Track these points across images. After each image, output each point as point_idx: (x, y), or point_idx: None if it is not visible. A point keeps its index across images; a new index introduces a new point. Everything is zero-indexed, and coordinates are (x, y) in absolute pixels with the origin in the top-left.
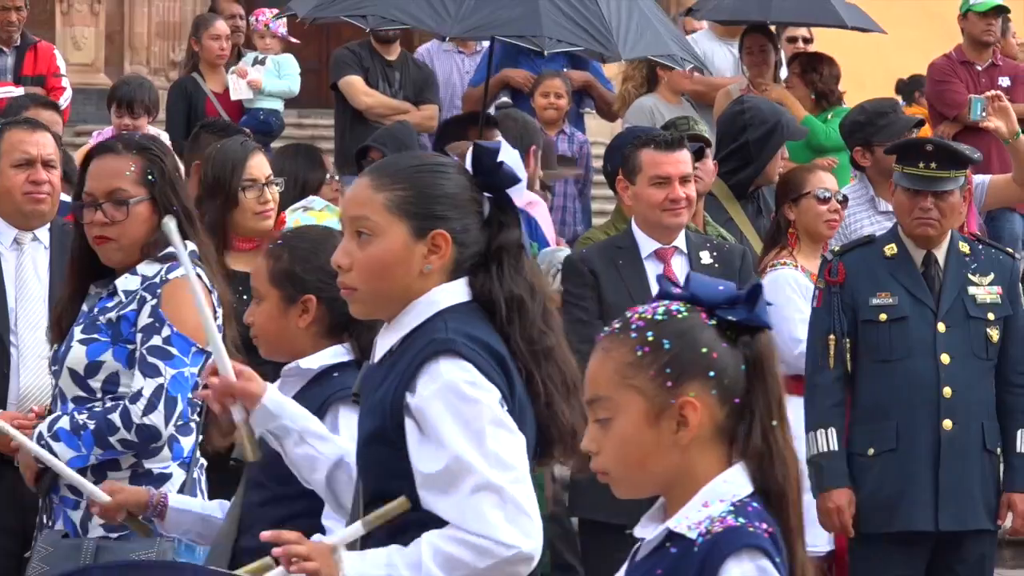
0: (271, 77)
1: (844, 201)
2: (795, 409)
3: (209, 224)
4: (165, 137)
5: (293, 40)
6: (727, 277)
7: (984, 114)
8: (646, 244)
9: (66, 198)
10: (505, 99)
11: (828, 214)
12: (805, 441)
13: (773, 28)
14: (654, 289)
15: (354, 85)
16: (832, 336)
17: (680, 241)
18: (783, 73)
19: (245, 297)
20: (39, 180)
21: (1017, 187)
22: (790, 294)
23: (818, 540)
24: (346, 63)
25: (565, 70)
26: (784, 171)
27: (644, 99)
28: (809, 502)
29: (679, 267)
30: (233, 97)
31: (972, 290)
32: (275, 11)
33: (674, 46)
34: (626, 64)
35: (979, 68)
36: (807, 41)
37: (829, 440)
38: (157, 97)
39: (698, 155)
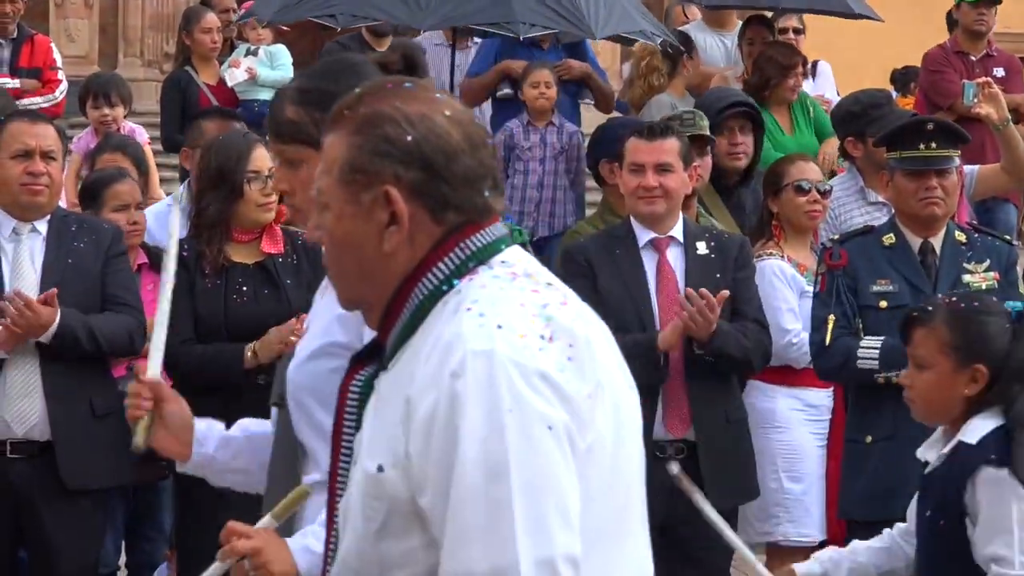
0: (264, 68)
1: (826, 192)
2: (780, 399)
3: (213, 215)
4: (141, 133)
5: (284, 27)
6: (723, 267)
7: (976, 100)
8: (642, 234)
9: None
10: (507, 90)
11: (808, 205)
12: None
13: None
14: (651, 279)
15: None
16: (832, 317)
17: (677, 231)
18: None
19: (245, 289)
20: (37, 172)
21: (1005, 175)
22: (777, 284)
23: (810, 530)
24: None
25: (564, 60)
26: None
27: (662, 96)
28: (801, 492)
29: (675, 257)
30: (230, 84)
31: (967, 278)
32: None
33: (643, 21)
34: (648, 55)
35: (973, 58)
36: (798, 32)
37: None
38: (130, 91)
39: (699, 151)
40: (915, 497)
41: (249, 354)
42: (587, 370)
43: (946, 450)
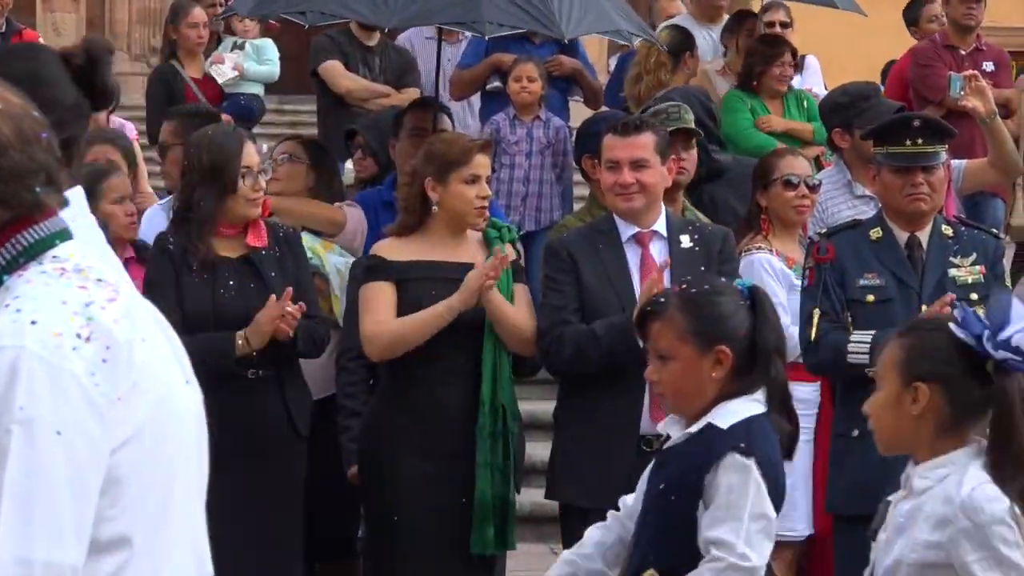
0: (251, 62)
1: (815, 187)
2: None
3: (205, 211)
4: (130, 129)
5: (272, 22)
6: (707, 260)
7: (963, 92)
8: (625, 229)
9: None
10: (497, 83)
11: (797, 199)
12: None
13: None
14: (634, 274)
15: (334, 69)
16: (818, 311)
17: (660, 225)
18: None
19: (232, 283)
20: None
21: (993, 170)
22: (765, 278)
23: (796, 524)
24: (325, 49)
25: (555, 56)
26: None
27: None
28: (790, 487)
29: (658, 251)
30: (220, 81)
31: (953, 272)
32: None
33: (622, 21)
34: (655, 53)
35: (963, 52)
36: (785, 25)
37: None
38: (117, 85)
39: (684, 144)
40: (646, 470)
41: (241, 341)
42: (121, 372)
43: (693, 429)
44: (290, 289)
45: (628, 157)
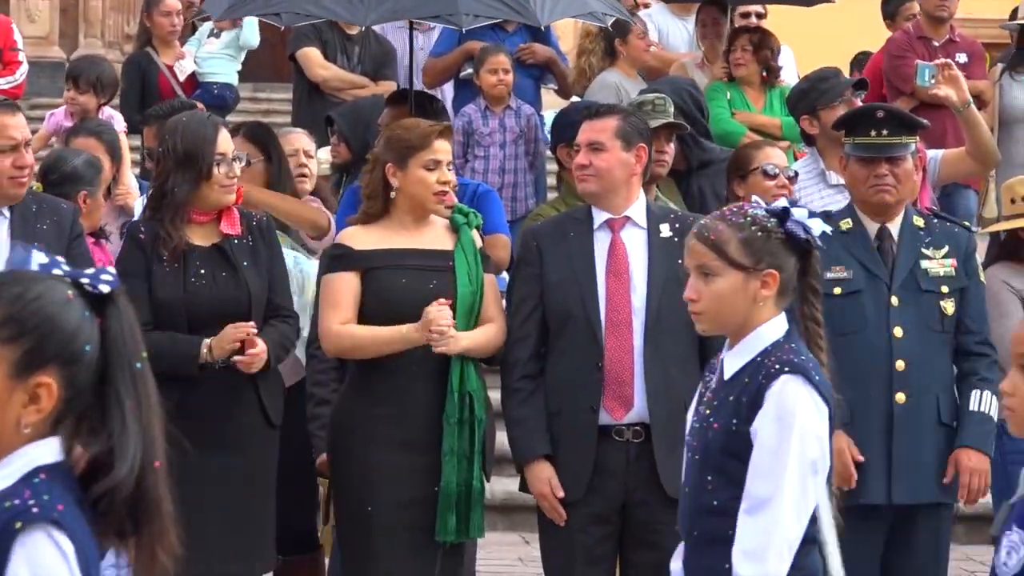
0: (230, 46)
1: (793, 177)
2: None
3: (180, 198)
4: (118, 121)
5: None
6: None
7: (933, 81)
8: (597, 215)
9: None
10: (470, 70)
11: (776, 189)
12: None
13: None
14: (599, 260)
15: (311, 57)
16: None
17: (636, 213)
18: None
19: (204, 271)
20: (24, 164)
21: (970, 160)
22: None
23: None
24: (305, 35)
25: (529, 44)
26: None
27: (607, 74)
28: None
29: (631, 238)
30: (181, 78)
31: (925, 264)
32: None
33: (593, 2)
34: (583, 37)
35: (936, 44)
36: (760, 16)
37: None
38: (113, 78)
39: (668, 137)
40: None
41: (204, 350)
42: None
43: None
44: (253, 327)
45: (586, 139)
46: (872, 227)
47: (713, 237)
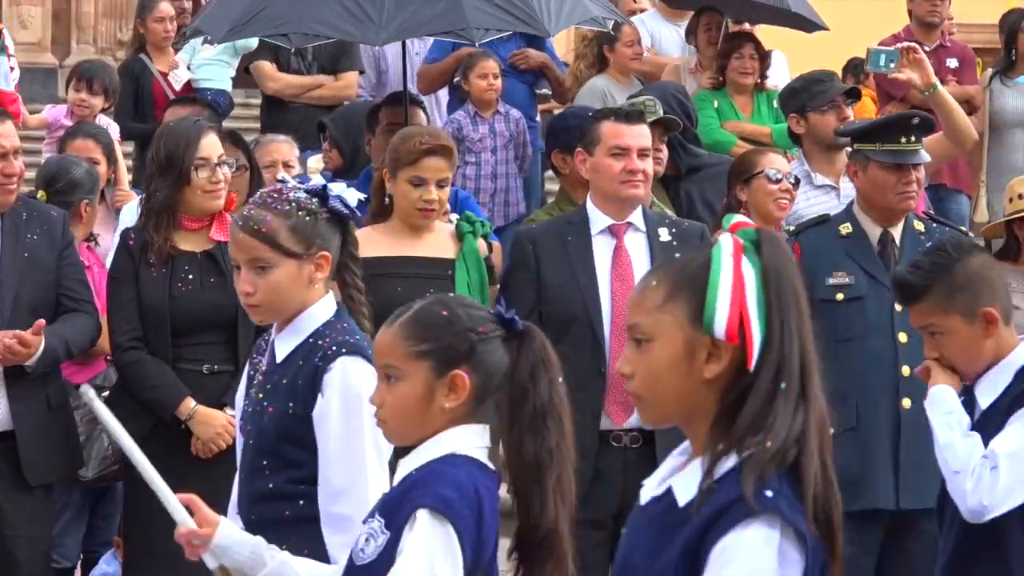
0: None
1: (796, 183)
2: None
3: (160, 202)
4: (114, 130)
5: None
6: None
7: (893, 65)
8: (599, 219)
9: None
10: None
11: (779, 194)
12: None
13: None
14: (601, 264)
15: (261, 71)
16: None
17: (636, 218)
18: None
19: (191, 277)
20: (12, 172)
21: (949, 142)
22: None
23: None
24: (256, 48)
25: (523, 49)
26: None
27: (596, 80)
28: None
29: (634, 243)
30: (177, 87)
31: None
32: None
33: (593, 8)
34: (576, 42)
35: (927, 49)
36: (753, 23)
37: None
38: (118, 85)
39: (660, 137)
40: None
41: (187, 412)
42: None
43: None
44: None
45: (638, 145)
46: (874, 232)
47: (264, 229)
